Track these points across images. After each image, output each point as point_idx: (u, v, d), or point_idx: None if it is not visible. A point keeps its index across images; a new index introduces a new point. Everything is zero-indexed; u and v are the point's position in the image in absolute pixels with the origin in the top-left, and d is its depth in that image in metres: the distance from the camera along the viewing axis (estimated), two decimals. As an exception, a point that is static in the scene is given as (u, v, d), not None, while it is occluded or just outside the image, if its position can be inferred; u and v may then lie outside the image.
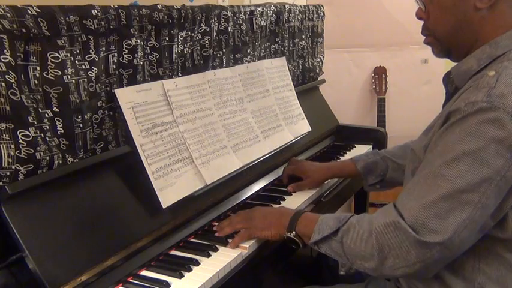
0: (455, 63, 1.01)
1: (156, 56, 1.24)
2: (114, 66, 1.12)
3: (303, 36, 1.93)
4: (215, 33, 1.42)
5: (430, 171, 0.87)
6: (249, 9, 1.56)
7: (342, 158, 1.79)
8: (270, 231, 1.11)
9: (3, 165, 0.90)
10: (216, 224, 1.23)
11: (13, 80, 0.91)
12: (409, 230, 0.85)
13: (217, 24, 1.43)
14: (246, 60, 1.59)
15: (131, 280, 1.01)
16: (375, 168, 1.41)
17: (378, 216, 0.92)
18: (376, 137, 1.97)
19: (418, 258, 0.85)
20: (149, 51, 1.22)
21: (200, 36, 1.37)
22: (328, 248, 0.99)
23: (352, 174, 1.47)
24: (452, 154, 0.84)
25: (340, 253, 0.96)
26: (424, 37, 1.05)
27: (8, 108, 0.90)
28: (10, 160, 0.91)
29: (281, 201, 1.38)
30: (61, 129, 1.02)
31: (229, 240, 1.13)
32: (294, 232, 1.05)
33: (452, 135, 0.86)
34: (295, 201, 1.39)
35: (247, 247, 1.11)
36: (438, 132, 0.91)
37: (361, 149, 1.89)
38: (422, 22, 1.03)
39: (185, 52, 1.33)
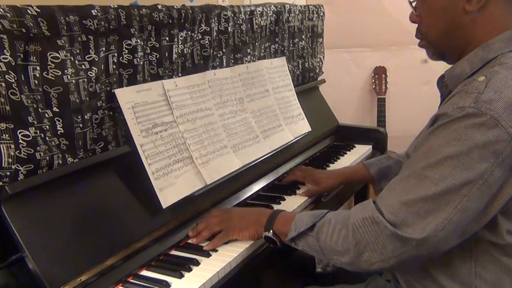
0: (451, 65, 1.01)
1: (156, 56, 1.24)
2: (114, 66, 1.12)
3: (303, 36, 1.93)
4: (215, 33, 1.42)
5: (414, 171, 0.88)
6: (249, 9, 1.56)
7: (342, 158, 1.79)
8: (248, 232, 1.11)
9: (3, 165, 0.90)
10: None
11: (13, 80, 0.91)
12: (387, 224, 0.86)
13: (217, 24, 1.43)
14: (246, 60, 1.59)
15: (131, 280, 1.01)
16: (389, 173, 1.40)
17: (356, 211, 0.93)
18: (376, 137, 1.97)
19: (394, 253, 0.86)
20: (149, 51, 1.22)
21: (200, 36, 1.37)
22: (305, 244, 0.99)
23: (365, 179, 1.46)
24: (436, 156, 0.85)
25: (316, 249, 0.97)
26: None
27: (8, 108, 0.90)
28: (10, 160, 0.91)
29: (281, 201, 1.38)
30: (61, 129, 1.02)
31: (230, 241, 1.14)
32: (271, 231, 1.06)
33: (437, 138, 0.87)
34: (295, 201, 1.39)
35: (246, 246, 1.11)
36: (425, 133, 0.92)
37: (361, 149, 1.89)
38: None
39: (185, 52, 1.33)
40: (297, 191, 1.45)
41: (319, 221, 0.97)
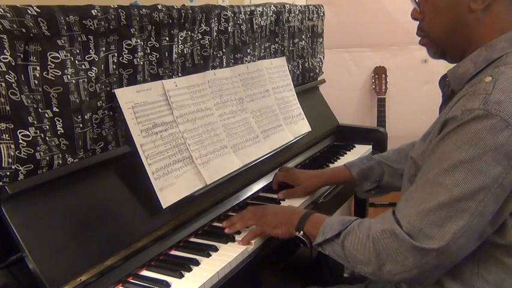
0: (451, 65, 1.00)
1: (156, 56, 1.24)
2: (114, 66, 1.12)
3: (303, 36, 1.93)
4: (215, 33, 1.42)
5: (428, 179, 0.87)
6: (249, 9, 1.56)
7: (342, 158, 1.79)
8: (281, 229, 1.11)
9: (3, 165, 0.90)
10: (217, 224, 1.24)
11: (13, 80, 0.91)
12: (406, 236, 0.85)
13: (217, 24, 1.43)
14: (246, 60, 1.59)
15: (131, 280, 1.01)
16: (370, 174, 1.37)
17: (377, 222, 0.93)
18: (376, 137, 1.96)
19: (415, 264, 0.86)
20: (149, 51, 1.22)
21: (200, 36, 1.37)
22: (332, 251, 0.99)
23: (347, 181, 1.42)
24: (449, 162, 0.84)
25: (342, 256, 0.97)
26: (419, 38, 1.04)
27: (8, 108, 0.90)
28: (10, 160, 0.91)
29: (281, 202, 1.37)
30: (61, 129, 1.02)
31: (229, 241, 1.14)
32: (302, 232, 1.06)
33: (449, 143, 0.86)
34: (294, 202, 1.38)
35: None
36: (435, 139, 0.91)
37: (361, 149, 1.89)
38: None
39: (185, 52, 1.33)
40: (279, 193, 1.42)
41: (346, 229, 0.96)
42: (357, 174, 1.38)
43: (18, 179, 0.92)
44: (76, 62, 1.02)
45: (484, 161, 0.81)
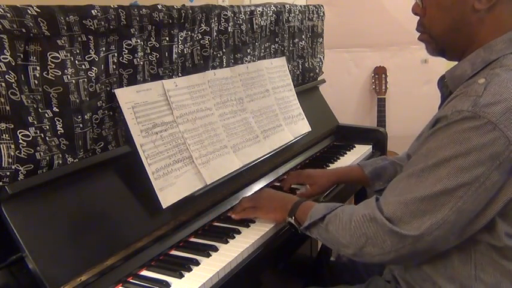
0: (451, 66, 1.00)
1: (156, 56, 1.24)
2: (114, 66, 1.12)
3: (303, 36, 1.93)
4: (215, 33, 1.42)
5: (413, 172, 0.90)
6: (249, 9, 1.56)
7: (342, 158, 1.79)
8: (274, 214, 1.18)
9: (3, 165, 0.90)
10: (217, 224, 1.24)
11: (13, 80, 0.91)
12: (385, 221, 0.90)
13: (217, 24, 1.43)
14: (246, 60, 1.59)
15: (131, 280, 1.01)
16: (383, 173, 1.38)
17: (359, 208, 0.97)
18: (376, 137, 1.97)
19: (393, 248, 0.90)
20: (149, 51, 1.22)
21: (200, 36, 1.37)
22: (318, 234, 1.04)
23: (359, 180, 1.43)
24: (434, 159, 0.87)
25: (326, 239, 1.02)
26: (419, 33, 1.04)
27: (8, 108, 0.90)
28: (10, 160, 0.91)
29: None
30: (61, 129, 1.02)
31: (230, 240, 1.14)
32: (293, 217, 1.11)
33: (436, 140, 0.88)
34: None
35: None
36: (426, 134, 0.93)
37: (361, 149, 1.89)
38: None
39: (185, 52, 1.33)
40: (297, 192, 1.45)
41: (330, 213, 1.01)
42: (370, 173, 1.39)
43: (18, 179, 0.92)
44: (76, 62, 1.02)
45: (468, 160, 0.83)
